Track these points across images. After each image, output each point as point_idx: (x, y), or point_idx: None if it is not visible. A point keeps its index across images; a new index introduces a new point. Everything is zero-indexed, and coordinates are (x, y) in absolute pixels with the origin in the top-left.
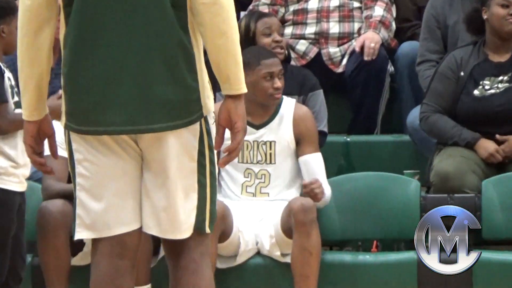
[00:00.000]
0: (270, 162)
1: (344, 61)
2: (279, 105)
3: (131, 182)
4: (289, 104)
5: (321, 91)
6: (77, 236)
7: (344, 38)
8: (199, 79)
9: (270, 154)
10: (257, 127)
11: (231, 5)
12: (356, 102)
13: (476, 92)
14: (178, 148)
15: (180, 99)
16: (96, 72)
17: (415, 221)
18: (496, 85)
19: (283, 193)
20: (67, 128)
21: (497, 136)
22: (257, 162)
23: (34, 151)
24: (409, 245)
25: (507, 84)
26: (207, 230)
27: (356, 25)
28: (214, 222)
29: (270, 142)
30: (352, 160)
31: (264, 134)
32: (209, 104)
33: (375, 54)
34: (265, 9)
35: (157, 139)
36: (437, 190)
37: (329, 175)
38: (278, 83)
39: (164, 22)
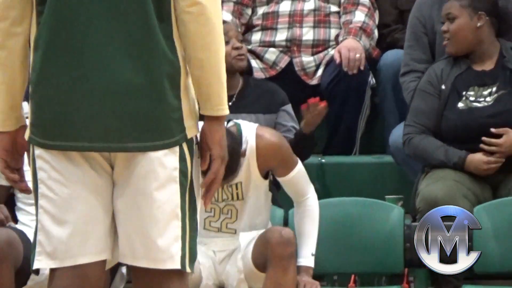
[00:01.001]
0: (238, 199)
1: (319, 72)
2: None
3: (101, 205)
4: (249, 136)
5: (290, 105)
6: (36, 265)
7: (319, 46)
8: (182, 96)
9: (237, 193)
10: None
11: (218, 18)
12: (332, 119)
13: (460, 104)
14: (155, 168)
15: (160, 117)
16: (68, 80)
17: (399, 253)
18: (481, 96)
19: (251, 225)
20: (31, 141)
21: (492, 130)
22: (223, 201)
23: (7, 165)
24: (392, 280)
25: (496, 95)
26: (188, 268)
27: (333, 32)
28: (193, 261)
29: (236, 184)
30: (328, 184)
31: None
32: (195, 125)
33: (357, 67)
34: (230, 7)
35: (132, 159)
36: None
37: None
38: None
39: (147, 31)
